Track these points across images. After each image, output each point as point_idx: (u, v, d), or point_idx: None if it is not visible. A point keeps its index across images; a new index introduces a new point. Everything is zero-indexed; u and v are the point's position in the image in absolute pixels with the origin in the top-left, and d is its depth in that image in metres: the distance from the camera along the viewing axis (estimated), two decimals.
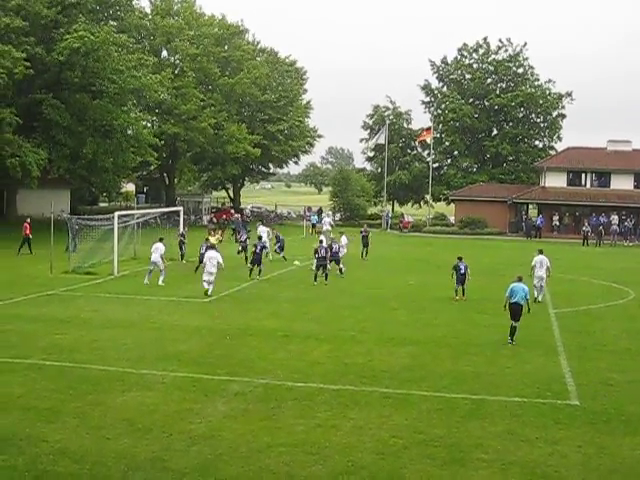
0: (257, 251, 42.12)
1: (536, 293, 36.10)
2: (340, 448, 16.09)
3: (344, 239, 48.63)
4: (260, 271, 41.89)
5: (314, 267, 41.95)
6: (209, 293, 35.83)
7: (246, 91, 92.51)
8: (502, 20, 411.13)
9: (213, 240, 45.60)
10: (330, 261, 42.51)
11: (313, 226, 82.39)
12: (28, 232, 50.22)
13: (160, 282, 38.48)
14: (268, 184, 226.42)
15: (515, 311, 27.26)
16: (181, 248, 49.06)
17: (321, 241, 43.22)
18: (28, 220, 50.90)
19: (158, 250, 39.28)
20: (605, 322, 31.92)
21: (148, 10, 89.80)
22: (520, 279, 27.99)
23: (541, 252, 37.69)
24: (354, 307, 33.93)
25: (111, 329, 27.57)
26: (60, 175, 69.23)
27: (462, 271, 37.19)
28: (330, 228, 71.29)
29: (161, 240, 40.34)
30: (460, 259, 37.75)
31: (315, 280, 40.86)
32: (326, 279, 41.02)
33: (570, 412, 18.99)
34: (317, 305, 34.30)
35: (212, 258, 36.27)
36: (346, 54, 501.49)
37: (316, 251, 42.16)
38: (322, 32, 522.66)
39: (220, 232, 55.56)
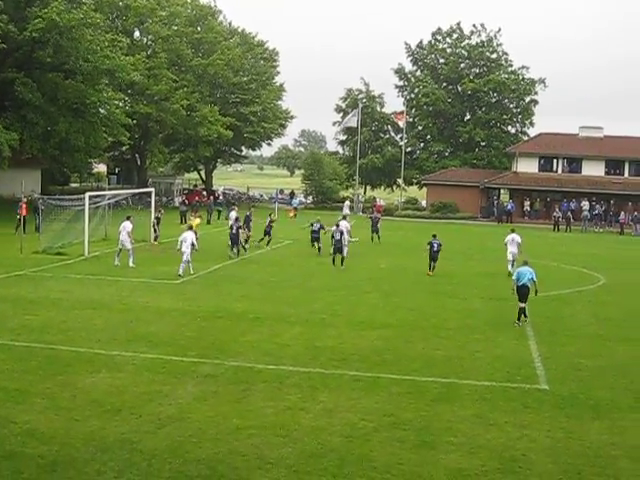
0: (233, 232, 42.85)
1: (509, 267, 39.15)
2: (310, 431, 16.11)
3: (345, 224, 47.50)
4: (238, 251, 43.09)
5: (332, 251, 42.48)
6: (180, 273, 35.96)
7: (219, 73, 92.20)
8: (478, 6, 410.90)
9: (195, 222, 46.01)
10: (316, 239, 44.27)
11: (295, 209, 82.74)
12: (24, 212, 49.42)
13: (130, 264, 38.29)
14: (240, 166, 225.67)
15: (523, 293, 27.87)
16: (155, 230, 48.72)
17: (337, 225, 43.46)
18: (24, 200, 49.85)
19: (125, 229, 39.02)
20: (575, 307, 32.13)
21: None
22: (526, 263, 28.82)
23: (513, 231, 41.64)
24: (325, 290, 33.95)
25: (81, 310, 27.46)
26: (33, 155, 68.45)
27: (435, 248, 39.38)
28: (349, 212, 71.53)
29: (128, 218, 40.08)
30: (434, 236, 40.08)
31: (333, 263, 41.52)
32: (342, 263, 41.23)
33: (539, 396, 19.09)
34: (288, 288, 34.31)
35: (186, 239, 36.53)
36: (320, 35, 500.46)
37: (333, 235, 42.60)
38: (295, 12, 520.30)
39: (193, 213, 55.40)
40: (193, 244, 36.74)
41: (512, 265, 39.33)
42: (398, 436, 16.01)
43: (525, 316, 28.03)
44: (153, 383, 18.93)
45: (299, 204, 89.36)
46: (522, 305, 27.91)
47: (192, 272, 36.60)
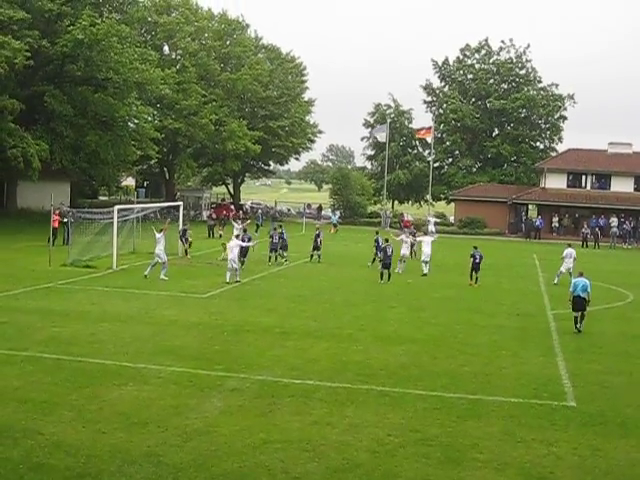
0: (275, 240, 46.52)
1: (556, 279, 43.05)
2: (336, 446, 16.08)
3: (428, 238, 47.46)
4: (276, 258, 46.79)
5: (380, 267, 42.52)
6: (227, 280, 37.94)
7: (247, 87, 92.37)
8: (506, 20, 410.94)
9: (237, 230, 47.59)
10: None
11: (334, 226, 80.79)
12: (57, 224, 49.73)
13: (162, 276, 38.47)
14: (268, 181, 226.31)
15: (578, 303, 29.32)
16: (184, 243, 48.68)
17: (387, 240, 43.71)
18: (57, 212, 50.10)
19: (161, 241, 39.24)
20: (603, 324, 31.87)
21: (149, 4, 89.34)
22: (581, 274, 30.31)
23: (570, 245, 45.01)
24: (352, 305, 33.92)
25: (109, 323, 27.54)
26: (63, 166, 68.60)
27: (477, 260, 41.16)
28: (434, 231, 68.36)
29: (161, 231, 40.20)
30: (475, 248, 42.02)
31: (381, 279, 41.31)
32: (388, 279, 41.31)
33: (566, 414, 18.98)
34: (315, 302, 34.30)
35: (234, 247, 38.56)
36: (348, 50, 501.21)
37: (385, 250, 42.24)
38: (324, 27, 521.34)
39: (221, 227, 55.56)
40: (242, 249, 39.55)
41: (559, 275, 43.02)
42: (424, 452, 15.95)
43: (579, 326, 29.40)
44: (179, 396, 18.96)
45: (338, 219, 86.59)
46: (576, 314, 29.42)
47: (228, 280, 37.94)
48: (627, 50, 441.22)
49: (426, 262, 45.22)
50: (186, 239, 48.62)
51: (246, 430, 16.73)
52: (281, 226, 51.40)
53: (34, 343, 23.85)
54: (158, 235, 39.65)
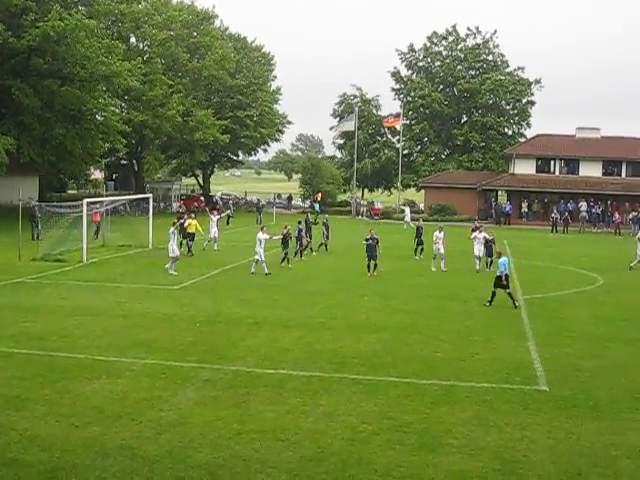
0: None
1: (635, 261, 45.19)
2: (310, 434, 16.11)
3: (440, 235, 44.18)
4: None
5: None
6: (252, 271, 39.01)
7: (214, 74, 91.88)
8: (473, 11, 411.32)
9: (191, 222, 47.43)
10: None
11: (317, 214, 79.64)
12: (97, 218, 49.90)
13: (170, 271, 38.30)
14: (238, 171, 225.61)
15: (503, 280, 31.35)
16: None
17: (371, 230, 42.50)
18: (97, 207, 49.84)
19: (173, 236, 39.37)
20: (574, 308, 32.09)
21: None
22: (500, 254, 32.70)
23: None
24: (324, 294, 33.94)
25: (80, 317, 27.44)
26: (31, 159, 67.93)
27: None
28: (409, 220, 69.54)
29: (174, 224, 40.34)
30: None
31: (368, 271, 40.58)
32: (374, 269, 40.59)
33: (539, 398, 19.09)
34: (287, 292, 34.29)
35: (260, 239, 39.20)
36: (317, 40, 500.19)
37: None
38: (290, 16, 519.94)
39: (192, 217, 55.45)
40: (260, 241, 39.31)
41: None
42: (398, 439, 16.01)
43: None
44: (153, 389, 18.93)
45: (319, 210, 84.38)
46: (509, 291, 31.57)
47: (267, 271, 38.81)
48: (593, 39, 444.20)
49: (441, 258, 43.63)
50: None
51: (220, 421, 16.73)
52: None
53: (4, 338, 23.74)
54: (170, 229, 39.53)
